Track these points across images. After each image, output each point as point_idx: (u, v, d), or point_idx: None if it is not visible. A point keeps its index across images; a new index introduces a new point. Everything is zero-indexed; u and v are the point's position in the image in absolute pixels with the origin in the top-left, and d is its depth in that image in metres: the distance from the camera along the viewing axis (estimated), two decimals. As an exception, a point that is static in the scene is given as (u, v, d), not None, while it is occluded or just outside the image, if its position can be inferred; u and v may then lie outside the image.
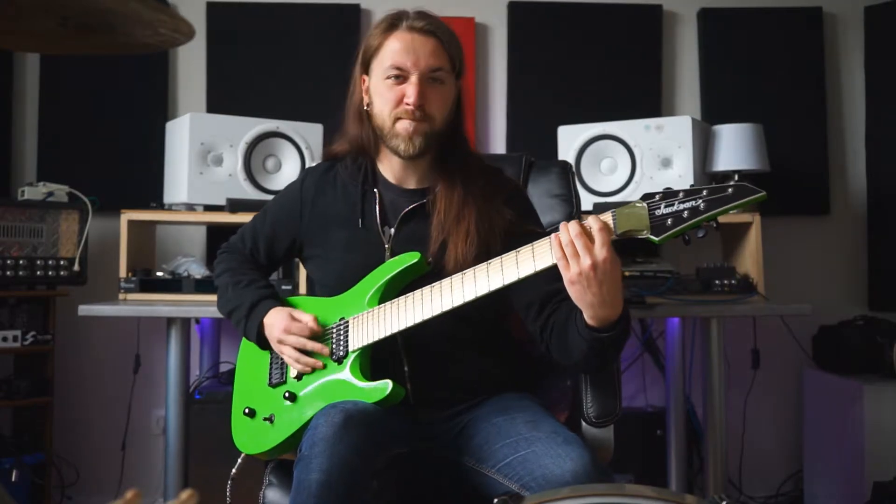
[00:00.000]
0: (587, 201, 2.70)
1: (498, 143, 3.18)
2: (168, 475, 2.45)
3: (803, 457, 3.08)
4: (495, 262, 1.39)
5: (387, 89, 1.54)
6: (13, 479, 2.57)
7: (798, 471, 3.13)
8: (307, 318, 1.54)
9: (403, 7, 1.58)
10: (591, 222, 1.29)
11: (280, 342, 1.55)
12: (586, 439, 1.72)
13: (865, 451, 2.66)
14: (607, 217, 1.30)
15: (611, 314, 1.32)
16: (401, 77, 1.52)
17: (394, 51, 1.53)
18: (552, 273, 1.33)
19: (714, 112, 3.10)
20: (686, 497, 1.01)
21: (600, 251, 1.27)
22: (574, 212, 1.92)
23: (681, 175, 2.74)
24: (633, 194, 2.76)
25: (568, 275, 1.29)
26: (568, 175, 1.95)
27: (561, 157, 2.83)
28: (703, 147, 2.84)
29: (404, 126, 1.53)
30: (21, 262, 2.64)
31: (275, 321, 1.56)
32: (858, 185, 3.22)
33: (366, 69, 1.59)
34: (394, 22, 1.55)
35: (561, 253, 1.29)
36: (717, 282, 2.57)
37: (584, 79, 3.16)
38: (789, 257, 3.14)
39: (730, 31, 3.19)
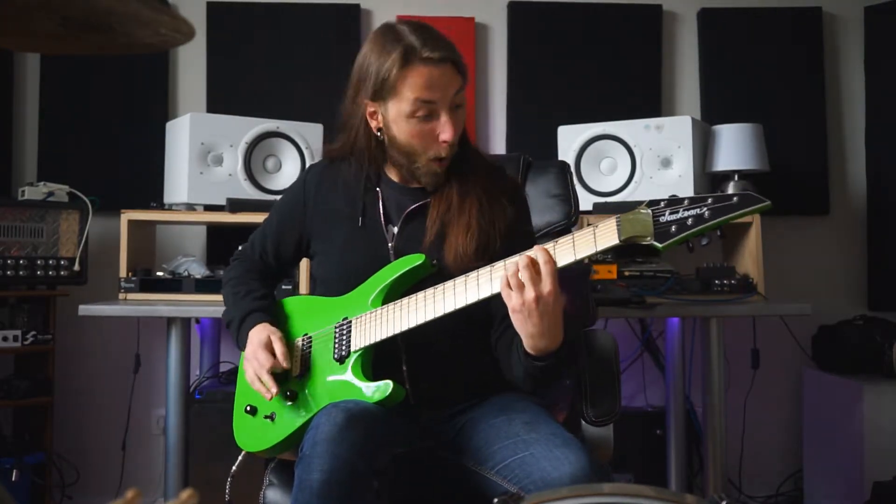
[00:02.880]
0: (587, 201, 2.70)
1: (498, 143, 3.18)
2: (168, 475, 2.45)
3: (803, 456, 3.09)
4: (499, 265, 1.40)
5: (415, 127, 1.50)
6: (13, 479, 2.57)
7: (798, 470, 3.13)
8: (280, 354, 1.52)
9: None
10: (539, 255, 1.32)
11: (247, 360, 1.57)
12: (586, 439, 1.72)
13: (865, 451, 2.66)
14: (609, 226, 1.30)
15: (549, 345, 1.36)
16: (427, 114, 1.50)
17: (417, 87, 1.47)
18: None
19: (714, 112, 3.10)
20: (686, 497, 1.01)
21: (545, 285, 1.31)
22: (573, 211, 1.92)
23: (681, 175, 2.74)
24: (632, 194, 2.76)
25: (510, 304, 1.33)
26: (566, 175, 1.96)
27: (561, 157, 2.83)
28: (703, 147, 2.84)
29: (438, 165, 1.54)
30: (21, 261, 2.64)
31: (252, 339, 1.57)
32: (858, 185, 3.22)
33: (374, 99, 1.53)
34: (408, 54, 1.47)
35: (506, 282, 1.33)
36: (717, 282, 2.57)
37: (584, 79, 3.16)
38: (789, 257, 3.14)
39: (730, 31, 3.19)
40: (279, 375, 1.59)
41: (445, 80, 1.49)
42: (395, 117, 1.52)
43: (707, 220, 1.24)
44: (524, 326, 1.34)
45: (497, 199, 1.57)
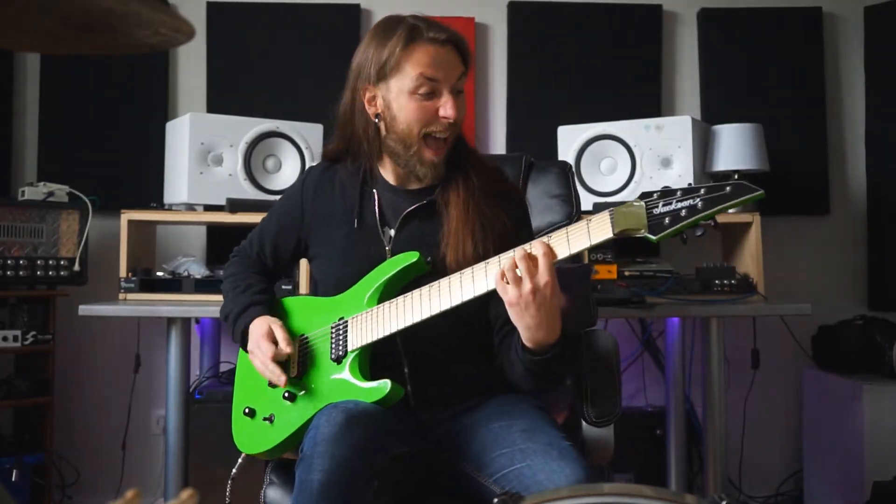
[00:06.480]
0: (587, 201, 2.70)
1: (498, 143, 3.18)
2: (168, 475, 2.45)
3: (803, 457, 3.09)
4: (493, 261, 1.39)
5: (416, 104, 1.50)
6: (13, 479, 2.57)
7: (798, 471, 3.13)
8: (281, 340, 1.52)
9: (404, 12, 1.56)
10: (536, 247, 1.31)
11: (251, 353, 1.57)
12: (586, 440, 1.72)
13: (865, 451, 2.66)
14: (602, 220, 1.30)
15: (547, 337, 1.35)
16: (430, 92, 1.50)
17: (421, 63, 1.48)
18: None
19: (714, 112, 3.10)
20: (686, 497, 1.01)
21: (542, 276, 1.30)
22: (574, 212, 1.91)
23: (681, 175, 2.74)
24: (633, 194, 2.75)
25: (506, 298, 1.32)
26: (568, 175, 1.95)
27: (561, 157, 2.83)
28: (703, 147, 2.84)
29: (432, 151, 1.52)
30: (21, 262, 2.64)
31: (253, 332, 1.57)
32: (858, 185, 3.22)
33: (376, 81, 1.53)
34: (412, 33, 1.49)
35: (501, 276, 1.32)
36: (716, 282, 2.57)
37: (583, 79, 3.16)
38: (789, 257, 3.15)
39: (730, 31, 3.19)
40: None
41: (450, 61, 1.51)
42: (397, 95, 1.51)
43: (700, 211, 1.23)
44: (521, 319, 1.33)
45: (496, 209, 1.55)
